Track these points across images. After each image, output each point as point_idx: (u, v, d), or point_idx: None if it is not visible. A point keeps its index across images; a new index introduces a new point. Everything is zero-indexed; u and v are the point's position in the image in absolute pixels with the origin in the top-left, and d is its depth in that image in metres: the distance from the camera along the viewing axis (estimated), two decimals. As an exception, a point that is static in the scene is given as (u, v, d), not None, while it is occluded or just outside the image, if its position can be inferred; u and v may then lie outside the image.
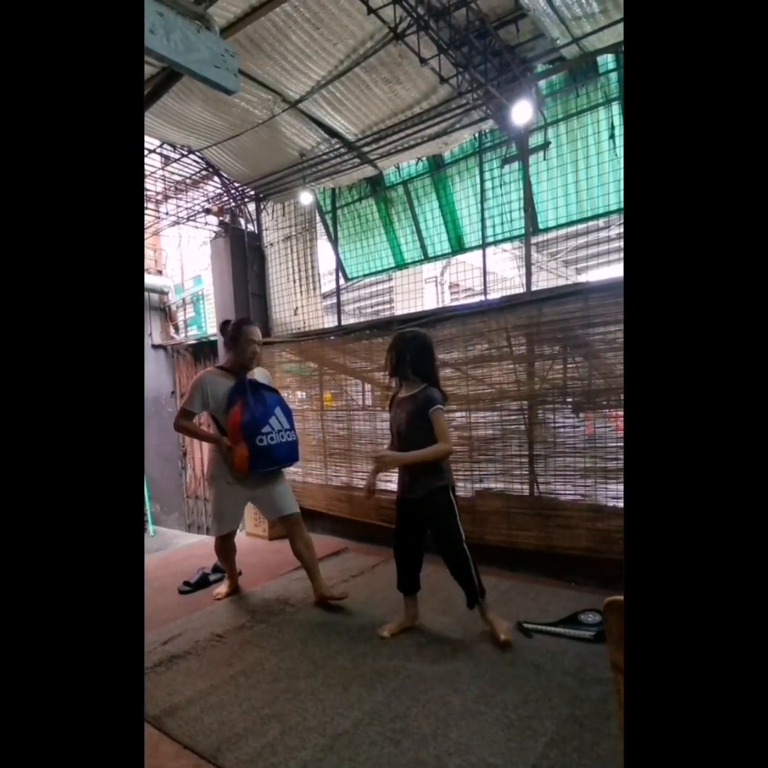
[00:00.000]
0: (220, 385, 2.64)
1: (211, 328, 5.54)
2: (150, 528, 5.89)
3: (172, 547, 4.77)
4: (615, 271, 3.42)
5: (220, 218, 4.71)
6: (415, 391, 2.30)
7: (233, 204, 4.67)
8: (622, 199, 2.99)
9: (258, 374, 2.80)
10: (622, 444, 2.84)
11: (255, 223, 4.75)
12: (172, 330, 6.11)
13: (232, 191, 4.59)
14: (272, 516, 2.81)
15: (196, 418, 2.77)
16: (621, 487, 2.85)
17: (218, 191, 4.63)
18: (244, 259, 4.61)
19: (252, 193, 4.59)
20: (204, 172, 4.54)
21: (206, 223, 4.81)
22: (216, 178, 4.57)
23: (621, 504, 2.84)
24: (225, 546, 2.88)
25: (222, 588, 2.98)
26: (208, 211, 4.73)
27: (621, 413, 2.87)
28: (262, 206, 4.71)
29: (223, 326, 2.80)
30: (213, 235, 4.75)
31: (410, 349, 2.30)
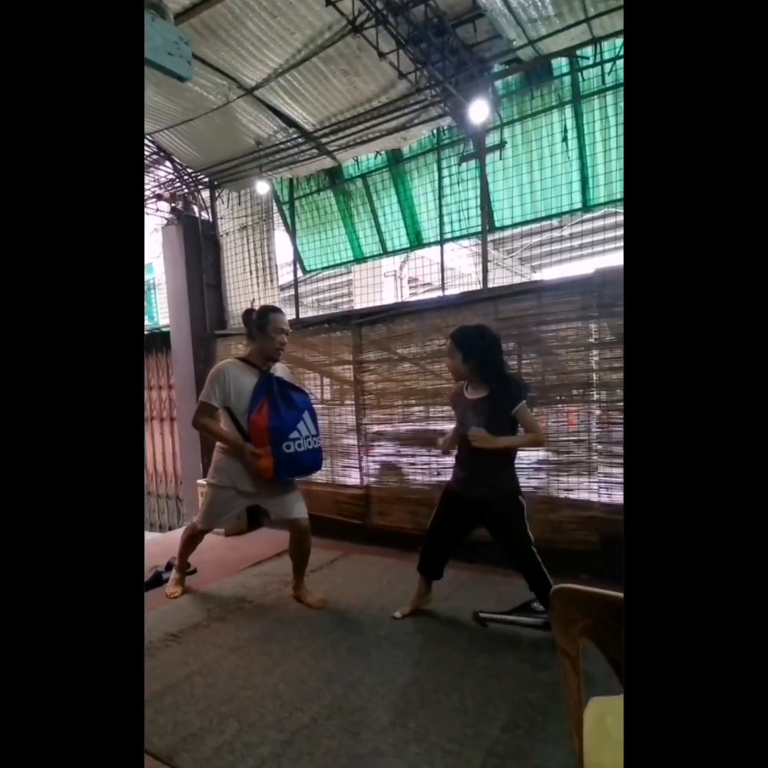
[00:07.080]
0: (243, 379, 2.44)
1: (163, 319, 5.38)
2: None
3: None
4: (568, 269, 3.52)
5: (172, 205, 4.55)
6: (487, 393, 2.16)
7: (186, 190, 4.52)
8: (576, 200, 3.09)
9: (279, 369, 2.62)
10: (573, 438, 2.96)
11: (209, 211, 4.61)
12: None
13: (185, 177, 4.44)
14: (281, 515, 2.65)
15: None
16: (571, 479, 2.97)
17: (170, 177, 4.47)
18: (198, 248, 4.48)
19: (206, 180, 4.45)
20: (155, 157, 4.37)
21: (157, 210, 4.64)
22: (168, 163, 4.41)
23: (572, 496, 2.96)
24: (196, 539, 2.79)
25: (175, 586, 2.90)
26: (159, 197, 4.56)
27: (573, 409, 2.98)
28: (216, 194, 4.58)
29: (247, 315, 2.58)
30: (165, 222, 4.58)
31: (478, 350, 2.17)
